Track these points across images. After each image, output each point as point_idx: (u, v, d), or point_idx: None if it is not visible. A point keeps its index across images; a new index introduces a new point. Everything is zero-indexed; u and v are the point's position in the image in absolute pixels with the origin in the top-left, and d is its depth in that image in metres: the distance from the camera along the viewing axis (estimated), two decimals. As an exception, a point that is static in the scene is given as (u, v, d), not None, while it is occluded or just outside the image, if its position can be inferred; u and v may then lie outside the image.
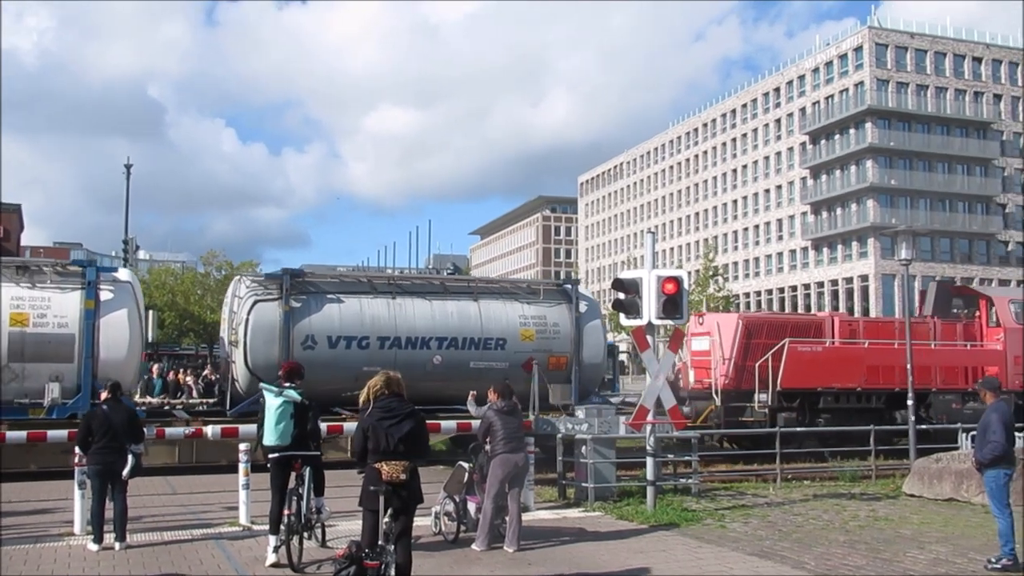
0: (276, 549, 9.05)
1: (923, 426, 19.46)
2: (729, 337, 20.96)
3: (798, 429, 19.36)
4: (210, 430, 14.38)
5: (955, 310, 24.37)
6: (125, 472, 10.00)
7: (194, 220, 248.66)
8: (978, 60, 74.37)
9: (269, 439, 9.32)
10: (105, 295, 16.72)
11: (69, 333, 16.29)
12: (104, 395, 10.50)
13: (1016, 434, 17.28)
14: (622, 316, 12.95)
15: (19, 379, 15.93)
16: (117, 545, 9.78)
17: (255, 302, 17.85)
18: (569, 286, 20.73)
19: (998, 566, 9.42)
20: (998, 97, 74.35)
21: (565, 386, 19.54)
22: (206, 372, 33.88)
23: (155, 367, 33.37)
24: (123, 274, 17.86)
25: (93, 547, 9.72)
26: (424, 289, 19.56)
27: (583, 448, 13.55)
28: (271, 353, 17.49)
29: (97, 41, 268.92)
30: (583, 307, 20.33)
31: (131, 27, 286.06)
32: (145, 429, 11.19)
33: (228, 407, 17.92)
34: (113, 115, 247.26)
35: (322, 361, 17.55)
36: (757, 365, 20.46)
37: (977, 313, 23.74)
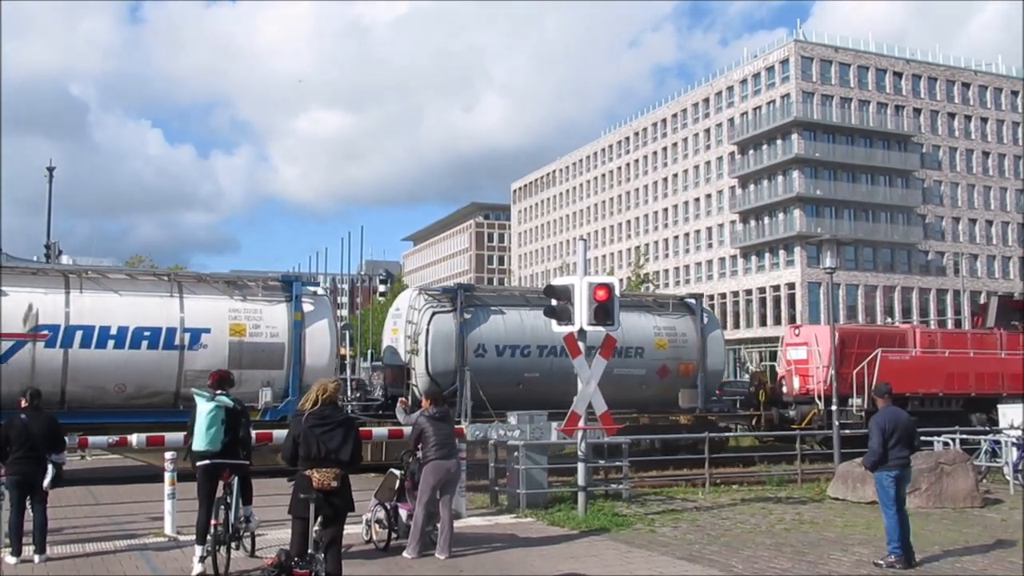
0: (203, 559, 8.88)
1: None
2: (826, 347, 22.82)
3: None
4: (135, 438, 14.06)
5: (1014, 322, 26.67)
6: (46, 483, 9.73)
7: (117, 223, 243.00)
8: (899, 75, 76.54)
9: (198, 444, 9.15)
10: (307, 307, 18.34)
11: (280, 342, 17.88)
12: (23, 403, 10.19)
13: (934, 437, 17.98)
14: (553, 323, 13.03)
15: (236, 384, 16.15)
16: (36, 558, 9.50)
17: (433, 314, 19.67)
18: (693, 300, 22.93)
19: (882, 563, 9.78)
20: (918, 111, 76.60)
21: (692, 390, 21.52)
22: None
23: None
24: (318, 289, 19.59)
25: (11, 560, 9.42)
26: None
27: (515, 454, 13.57)
28: (448, 360, 19.48)
29: (14, 36, 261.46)
30: (705, 319, 22.37)
31: (50, 22, 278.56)
32: (67, 438, 10.89)
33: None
34: (31, 113, 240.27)
35: (491, 367, 19.58)
36: (854, 372, 22.59)
37: None
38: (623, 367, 20.81)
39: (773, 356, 66.67)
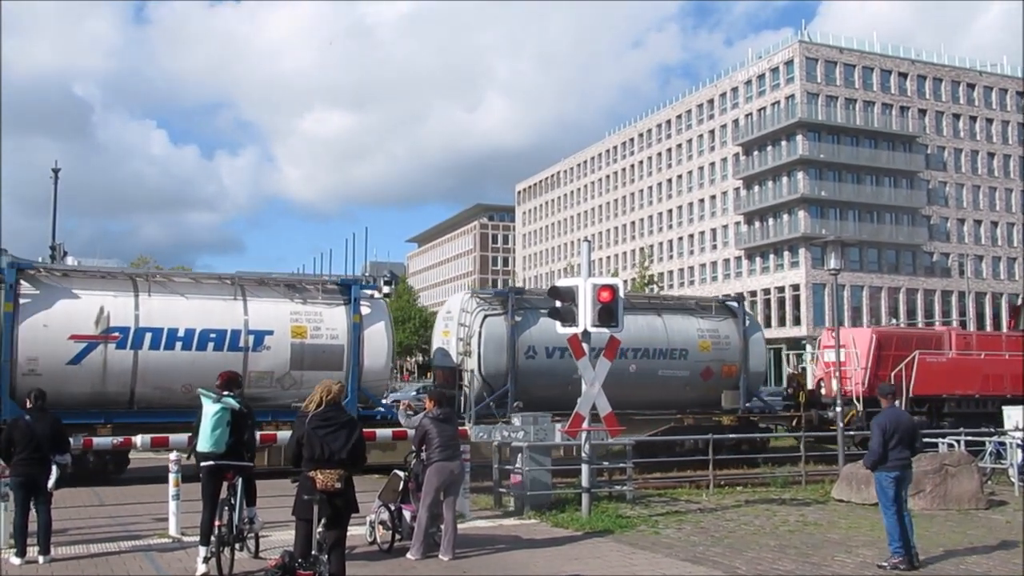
0: (206, 560, 8.90)
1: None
2: (864, 349, 23.66)
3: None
4: (139, 439, 14.10)
5: None
6: (50, 483, 9.76)
7: (121, 224, 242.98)
8: (903, 75, 76.45)
9: (203, 445, 9.16)
10: (364, 310, 18.66)
11: (339, 344, 18.25)
12: (29, 404, 10.22)
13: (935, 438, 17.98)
14: (558, 324, 13.04)
15: (297, 385, 17.53)
16: (41, 559, 9.52)
17: (485, 316, 20.04)
18: (735, 303, 23.44)
19: (886, 565, 9.78)
20: (923, 112, 76.51)
21: (735, 391, 22.02)
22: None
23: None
24: (375, 292, 19.90)
25: (16, 561, 9.44)
26: None
27: (519, 456, 13.58)
28: (500, 362, 19.85)
29: (17, 36, 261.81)
30: (747, 321, 22.82)
31: (53, 22, 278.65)
32: (72, 439, 10.93)
33: (462, 410, 19.30)
34: (35, 113, 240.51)
35: (542, 369, 20.02)
36: (892, 374, 22.85)
37: None
38: (668, 369, 21.47)
39: (776, 357, 66.70)
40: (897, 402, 22.88)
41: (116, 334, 16.76)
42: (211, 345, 17.36)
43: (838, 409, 19.30)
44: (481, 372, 19.86)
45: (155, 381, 17.03)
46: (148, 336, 16.96)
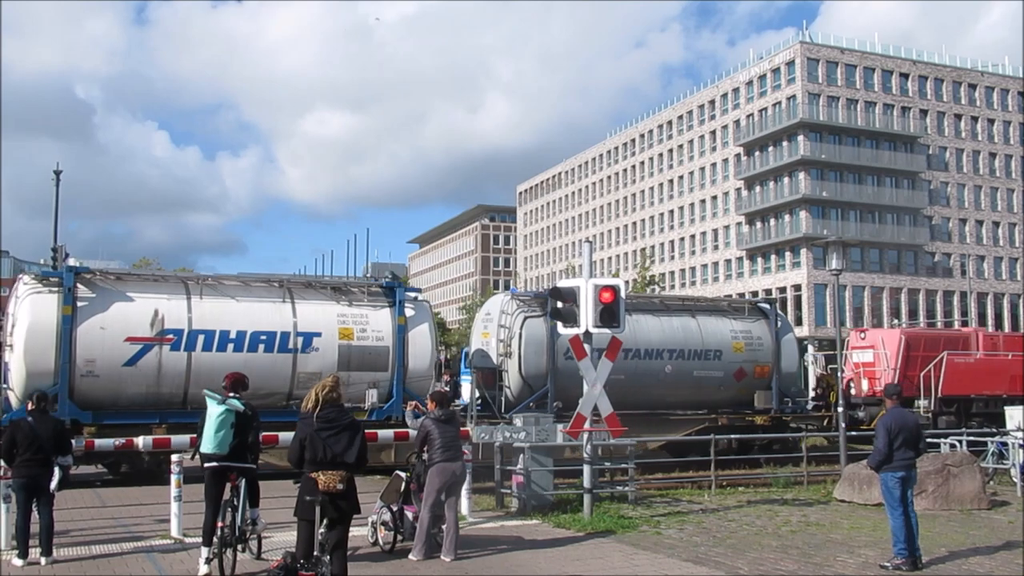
0: (208, 561, 8.90)
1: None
2: (892, 350, 24.13)
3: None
4: (141, 441, 14.11)
5: None
6: (53, 485, 9.76)
7: (123, 225, 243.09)
8: (905, 76, 76.42)
9: (207, 447, 9.17)
10: (408, 312, 19.00)
11: (385, 346, 18.54)
12: (30, 406, 10.23)
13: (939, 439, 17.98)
14: (559, 325, 13.04)
15: (345, 386, 17.07)
16: (43, 560, 9.53)
17: (525, 318, 20.38)
18: (767, 305, 24.05)
19: (888, 565, 9.78)
20: (924, 112, 76.47)
21: (767, 392, 22.46)
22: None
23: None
24: (419, 295, 20.30)
25: (18, 563, 9.45)
26: (649, 307, 22.60)
27: (521, 456, 13.57)
28: (540, 363, 20.18)
29: (18, 37, 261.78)
30: (779, 323, 23.12)
31: (55, 23, 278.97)
32: (73, 441, 10.94)
33: (502, 411, 19.88)
34: (37, 115, 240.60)
35: (579, 370, 19.22)
36: (921, 375, 23.40)
37: None
38: (703, 369, 21.87)
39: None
40: (924, 402, 23.44)
41: (170, 336, 17.10)
42: (261, 347, 17.70)
43: (839, 410, 19.24)
44: (521, 373, 20.20)
45: (208, 382, 17.08)
46: (201, 338, 17.30)
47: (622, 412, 19.89)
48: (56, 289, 16.62)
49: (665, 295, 25.43)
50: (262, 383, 17.43)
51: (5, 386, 16.79)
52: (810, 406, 23.84)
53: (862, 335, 26.66)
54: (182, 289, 17.76)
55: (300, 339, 17.97)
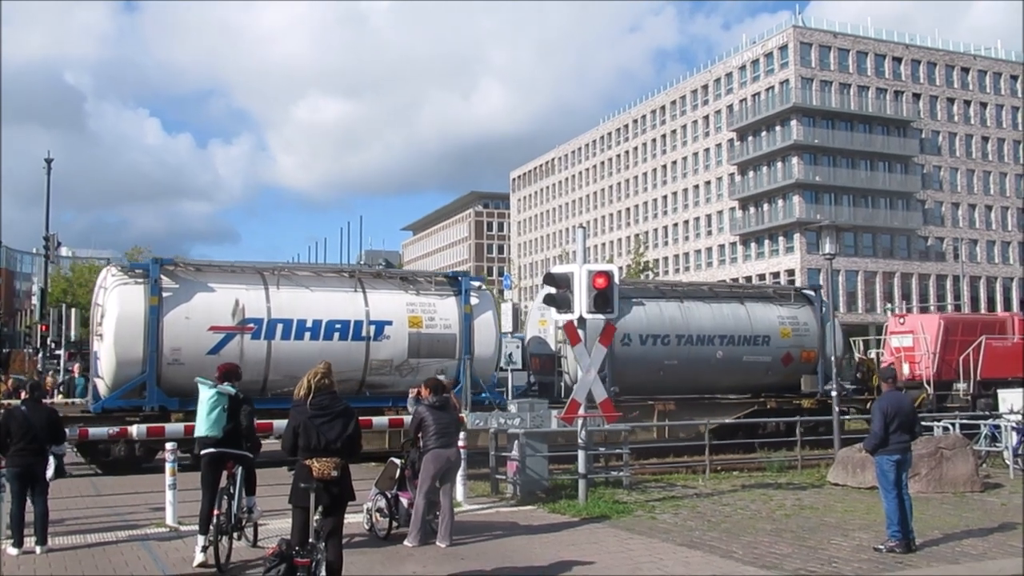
0: (205, 549, 8.90)
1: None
2: (932, 334, 24.99)
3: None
4: (135, 429, 14.10)
5: None
6: (49, 474, 9.75)
7: (115, 214, 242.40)
8: (898, 60, 76.40)
9: (201, 429, 9.27)
10: (473, 300, 19.55)
11: (452, 333, 19.15)
12: (24, 395, 10.21)
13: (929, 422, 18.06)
14: (553, 310, 13.03)
15: (413, 373, 18.31)
16: (38, 549, 9.52)
17: None
18: (812, 292, 24.50)
19: (883, 548, 9.83)
20: (917, 96, 76.49)
21: (813, 376, 23.03)
22: None
23: (76, 366, 32.51)
24: (483, 284, 20.96)
25: (13, 551, 9.45)
26: (699, 294, 23.16)
27: (515, 442, 13.58)
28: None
29: (7, 24, 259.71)
30: (823, 309, 23.56)
31: (44, 9, 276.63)
32: (67, 430, 10.92)
33: (561, 396, 19.79)
34: (27, 102, 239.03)
35: (636, 356, 20.81)
36: (960, 359, 24.02)
37: None
38: (752, 355, 22.43)
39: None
40: (963, 385, 23.98)
41: (251, 325, 17.56)
42: (336, 335, 18.16)
43: (833, 394, 19.27)
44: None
45: (286, 369, 17.55)
46: (279, 327, 17.79)
47: (678, 396, 20.78)
48: (142, 280, 17.13)
49: (717, 283, 26.61)
50: (337, 370, 17.51)
51: (94, 374, 17.31)
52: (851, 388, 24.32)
53: (901, 320, 27.26)
54: (259, 280, 18.19)
55: (373, 327, 18.46)
